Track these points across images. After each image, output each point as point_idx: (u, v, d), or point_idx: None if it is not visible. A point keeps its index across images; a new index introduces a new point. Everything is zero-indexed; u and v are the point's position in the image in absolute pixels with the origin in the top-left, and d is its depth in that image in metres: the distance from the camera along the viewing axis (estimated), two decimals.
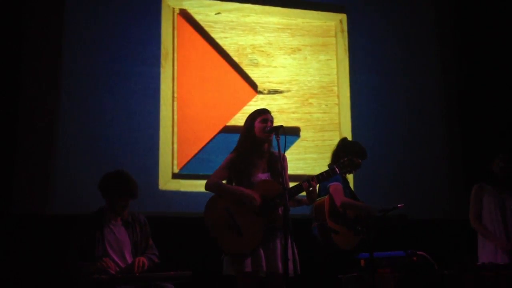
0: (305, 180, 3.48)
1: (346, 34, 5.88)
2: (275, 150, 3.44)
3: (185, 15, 5.44)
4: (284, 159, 3.59)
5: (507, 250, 4.31)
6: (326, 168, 3.70)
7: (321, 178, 3.55)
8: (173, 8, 5.41)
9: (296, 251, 3.40)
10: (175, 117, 5.20)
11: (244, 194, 3.46)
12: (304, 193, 3.56)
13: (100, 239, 3.49)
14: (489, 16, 6.15)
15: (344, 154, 3.89)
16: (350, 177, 5.19)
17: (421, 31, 6.17)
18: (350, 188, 4.46)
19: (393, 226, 4.32)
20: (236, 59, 5.50)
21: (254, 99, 5.46)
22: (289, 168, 3.77)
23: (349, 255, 3.88)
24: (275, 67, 5.61)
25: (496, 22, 6.12)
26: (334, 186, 4.04)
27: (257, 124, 3.58)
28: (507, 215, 4.42)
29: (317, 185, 3.66)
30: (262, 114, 3.63)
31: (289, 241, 3.12)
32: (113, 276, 3.32)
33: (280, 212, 3.45)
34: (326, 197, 4.09)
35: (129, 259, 3.53)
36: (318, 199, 4.06)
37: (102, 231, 3.52)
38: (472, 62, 6.13)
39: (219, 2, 5.55)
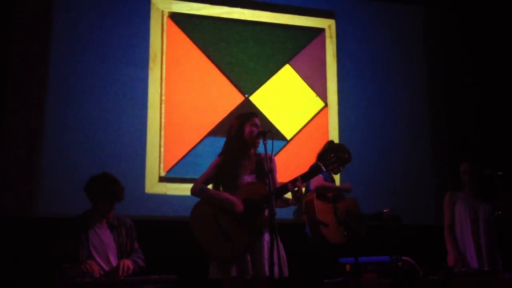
0: (290, 181, 3.47)
1: (334, 39, 5.91)
2: (263, 152, 3.44)
3: (175, 18, 5.43)
4: (272, 161, 3.58)
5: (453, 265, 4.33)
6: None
7: (307, 176, 3.53)
8: (162, 11, 5.40)
9: (283, 253, 3.40)
10: (163, 120, 5.19)
11: (227, 201, 3.44)
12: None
13: (85, 241, 3.47)
14: (477, 23, 6.21)
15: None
16: (338, 182, 5.22)
17: (409, 37, 6.22)
18: None
19: (386, 229, 4.34)
20: (225, 62, 5.50)
21: (242, 103, 5.46)
22: (276, 173, 3.77)
23: (335, 259, 3.90)
24: None
25: (484, 28, 6.17)
26: (315, 178, 4.07)
27: (247, 127, 3.59)
28: (479, 222, 4.42)
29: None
30: (251, 118, 3.64)
31: (275, 243, 3.12)
32: (97, 279, 3.30)
33: (266, 214, 3.44)
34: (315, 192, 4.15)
35: (114, 262, 3.50)
36: (308, 194, 4.10)
37: (87, 234, 3.49)
38: (459, 69, 6.18)
39: (208, 5, 5.55)
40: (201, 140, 5.25)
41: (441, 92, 6.17)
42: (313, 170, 3.55)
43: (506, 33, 6.09)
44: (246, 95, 5.51)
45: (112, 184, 3.57)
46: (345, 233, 4.03)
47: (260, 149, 3.55)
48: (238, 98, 5.48)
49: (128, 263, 3.48)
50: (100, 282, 3.26)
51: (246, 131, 3.58)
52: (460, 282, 3.55)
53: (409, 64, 6.14)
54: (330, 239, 4.03)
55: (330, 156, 3.59)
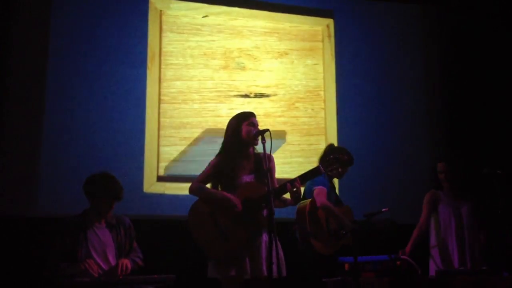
0: (288, 181, 3.46)
1: (333, 39, 5.91)
2: (261, 152, 3.44)
3: (173, 18, 5.42)
4: (271, 160, 3.58)
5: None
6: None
7: (305, 177, 3.52)
8: (161, 11, 5.40)
9: (281, 253, 3.40)
10: (161, 119, 5.19)
11: (226, 199, 3.44)
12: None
13: (84, 241, 3.46)
14: (475, 22, 6.21)
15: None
16: (335, 182, 5.22)
17: (407, 36, 6.22)
18: (336, 193, 4.46)
19: (380, 231, 4.32)
20: (223, 62, 5.50)
21: (240, 103, 5.46)
22: (275, 172, 3.77)
23: (334, 258, 3.89)
24: (262, 70, 5.62)
25: (482, 27, 6.17)
26: (319, 189, 4.05)
27: (244, 127, 3.58)
28: (462, 222, 4.39)
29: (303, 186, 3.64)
30: (249, 118, 3.63)
31: (274, 243, 3.12)
32: (96, 278, 3.30)
33: (264, 214, 3.44)
34: (309, 200, 4.10)
35: (112, 262, 3.50)
36: (302, 202, 4.06)
37: (85, 233, 3.49)
38: (457, 68, 6.18)
39: (206, 5, 5.55)
40: (199, 140, 5.25)
41: (439, 91, 6.18)
42: (312, 171, 3.53)
43: (504, 33, 6.09)
44: (245, 95, 5.51)
45: (111, 183, 3.56)
46: (343, 232, 4.03)
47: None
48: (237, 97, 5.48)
49: (126, 262, 3.48)
50: (98, 282, 3.26)
51: (243, 130, 3.58)
52: (457, 281, 3.55)
53: (407, 63, 6.14)
54: (320, 251, 3.98)
55: (329, 157, 3.58)
